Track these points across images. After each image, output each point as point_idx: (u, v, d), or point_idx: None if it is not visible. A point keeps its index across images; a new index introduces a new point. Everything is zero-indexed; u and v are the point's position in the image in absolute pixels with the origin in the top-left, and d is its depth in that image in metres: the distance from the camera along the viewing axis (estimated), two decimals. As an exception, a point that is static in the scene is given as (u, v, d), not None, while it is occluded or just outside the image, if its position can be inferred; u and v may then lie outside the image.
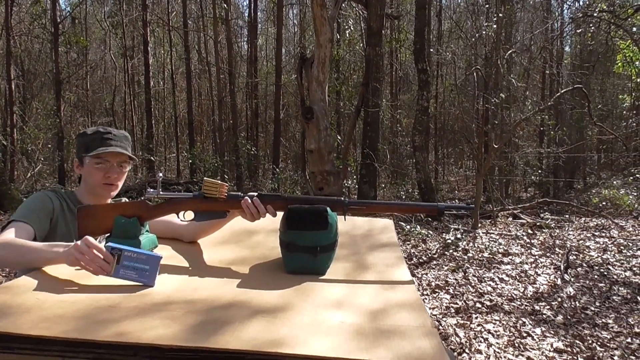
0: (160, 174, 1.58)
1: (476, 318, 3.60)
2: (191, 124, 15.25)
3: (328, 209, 1.48)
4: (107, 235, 1.59)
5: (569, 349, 3.08)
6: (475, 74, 7.01)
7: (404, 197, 10.84)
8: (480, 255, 5.25)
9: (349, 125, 7.81)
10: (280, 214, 1.55)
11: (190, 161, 12.62)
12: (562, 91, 7.90)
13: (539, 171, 11.29)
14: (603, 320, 3.60)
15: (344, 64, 14.36)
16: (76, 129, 15.60)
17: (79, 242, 1.26)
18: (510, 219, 8.02)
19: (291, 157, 16.83)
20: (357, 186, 9.31)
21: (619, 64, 12.28)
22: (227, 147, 13.35)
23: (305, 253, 1.44)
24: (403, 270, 1.55)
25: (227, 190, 1.56)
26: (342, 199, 1.55)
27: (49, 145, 11.71)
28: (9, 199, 7.78)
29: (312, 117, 5.43)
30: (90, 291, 1.21)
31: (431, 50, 10.59)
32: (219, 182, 1.55)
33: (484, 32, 9.13)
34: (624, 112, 13.27)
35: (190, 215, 1.59)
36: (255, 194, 1.56)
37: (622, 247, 5.61)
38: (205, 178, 1.59)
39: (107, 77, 19.50)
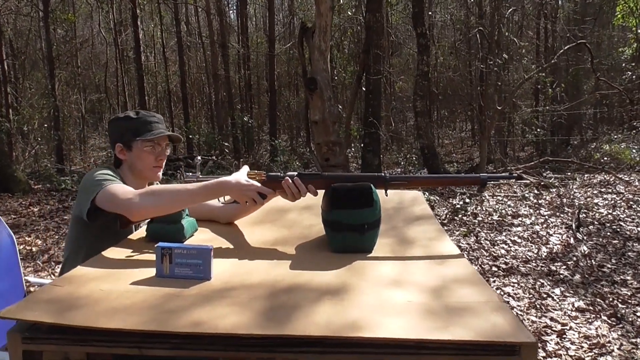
0: (199, 157, 1.56)
1: (494, 282, 3.65)
2: (185, 97, 15.05)
3: (372, 186, 1.47)
4: (148, 220, 1.58)
5: (590, 308, 3.14)
6: (477, 34, 6.90)
7: (402, 163, 10.83)
8: (489, 219, 5.29)
9: (351, 94, 7.73)
10: (320, 193, 1.54)
11: (190, 136, 12.50)
12: (566, 47, 7.81)
13: (538, 130, 11.26)
14: (621, 277, 3.66)
15: (337, 31, 14.11)
16: (69, 107, 15.37)
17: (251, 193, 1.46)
18: (513, 180, 8.05)
19: (286, 127, 16.71)
20: (360, 155, 9.28)
21: (619, 16, 12.11)
22: (222, 119, 13.22)
23: (352, 232, 1.44)
24: (448, 243, 1.55)
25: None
26: (383, 174, 1.54)
27: (45, 125, 11.55)
28: (16, 182, 7.62)
29: (315, 88, 5.35)
30: (149, 279, 1.21)
31: (429, 13, 10.41)
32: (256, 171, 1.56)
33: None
34: (623, 64, 13.15)
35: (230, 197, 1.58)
36: (295, 173, 1.55)
37: (631, 203, 5.67)
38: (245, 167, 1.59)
39: (96, 53, 19.13)
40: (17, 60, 13.06)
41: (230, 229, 1.71)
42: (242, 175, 1.48)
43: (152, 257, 1.26)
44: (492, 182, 1.60)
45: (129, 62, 16.59)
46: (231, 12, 20.73)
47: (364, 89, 8.19)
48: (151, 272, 1.24)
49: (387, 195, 1.55)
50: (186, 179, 1.59)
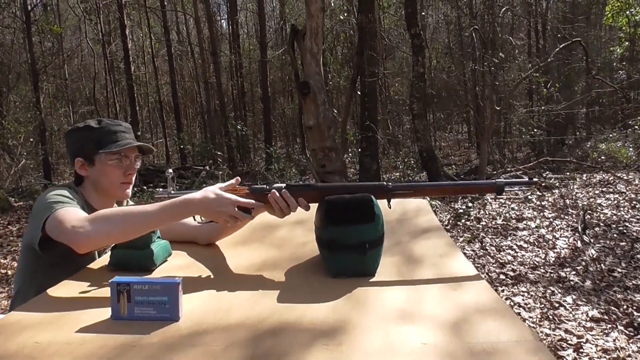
0: (170, 171, 1.34)
1: (502, 291, 3.44)
2: (177, 107, 14.83)
3: (372, 197, 1.26)
4: (112, 246, 1.36)
5: (605, 317, 2.93)
6: (473, 34, 6.72)
7: (400, 167, 10.62)
8: (494, 223, 5.08)
9: (346, 98, 7.52)
10: (313, 207, 1.33)
11: (181, 146, 12.26)
12: (562, 45, 7.64)
13: (534, 130, 11.10)
14: (633, 282, 3.45)
15: (330, 35, 13.94)
16: (57, 120, 15.09)
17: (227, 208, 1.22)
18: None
19: (281, 134, 16.53)
20: (357, 160, 9.06)
21: (609, 15, 12.00)
22: (215, 129, 13.00)
23: (352, 252, 1.22)
24: (461, 261, 1.34)
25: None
26: (385, 183, 1.33)
27: (31, 139, 11.26)
28: (-5, 201, 7.34)
29: (308, 92, 5.15)
30: (102, 324, 0.99)
31: (423, 13, 10.23)
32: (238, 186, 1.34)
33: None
34: (614, 64, 13.04)
35: (208, 216, 1.36)
36: (283, 185, 1.33)
37: (634, 202, 5.48)
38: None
39: (85, 64, 18.88)
40: (1, 74, 12.80)
41: (211, 252, 1.49)
42: (214, 189, 1.25)
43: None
44: (514, 190, 1.37)
45: (119, 74, 16.36)
46: (223, 20, 20.59)
47: (359, 92, 8.01)
48: (107, 312, 1.02)
49: (390, 207, 1.33)
50: (156, 196, 1.37)
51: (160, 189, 1.36)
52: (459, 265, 1.30)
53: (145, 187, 7.40)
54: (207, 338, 0.92)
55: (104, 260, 1.39)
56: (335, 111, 9.34)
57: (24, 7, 10.79)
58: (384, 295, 1.11)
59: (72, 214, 1.26)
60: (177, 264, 1.38)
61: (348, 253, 1.22)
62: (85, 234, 1.18)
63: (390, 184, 1.33)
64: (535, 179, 1.40)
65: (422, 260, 1.35)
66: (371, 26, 6.95)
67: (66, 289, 1.18)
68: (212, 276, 1.29)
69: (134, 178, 1.55)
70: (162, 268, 1.34)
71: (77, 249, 1.20)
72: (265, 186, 1.33)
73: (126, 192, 1.54)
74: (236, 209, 1.23)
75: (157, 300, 1.00)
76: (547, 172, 8.50)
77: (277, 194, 1.29)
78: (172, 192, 1.35)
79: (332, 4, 10.90)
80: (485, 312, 1.00)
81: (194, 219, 1.37)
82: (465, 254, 4.33)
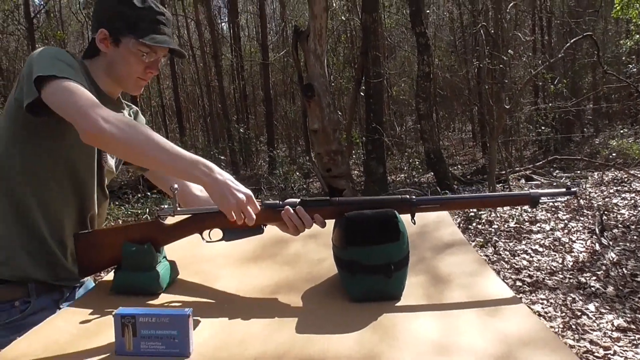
0: (176, 186, 1.23)
1: (520, 299, 3.31)
2: (179, 111, 14.76)
3: (396, 212, 1.15)
4: (114, 267, 1.26)
5: (632, 326, 2.81)
6: (481, 31, 6.60)
7: (405, 169, 10.48)
8: (506, 226, 4.95)
9: (350, 99, 7.40)
10: (329, 223, 1.22)
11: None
12: (572, 40, 7.51)
13: (542, 128, 10.95)
14: (658, 287, 3.32)
15: (331, 36, 13.83)
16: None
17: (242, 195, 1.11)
18: (523, 181, 7.73)
19: (284, 137, 16.43)
20: (361, 162, 8.94)
21: (617, 8, 11.84)
22: (218, 132, 12.91)
23: (376, 274, 1.11)
24: (494, 280, 1.22)
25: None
26: (408, 197, 1.22)
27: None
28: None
29: (313, 95, 5.04)
30: (104, 363, 0.88)
31: (427, 11, 10.11)
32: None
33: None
34: (623, 57, 12.87)
35: (217, 234, 1.25)
36: (298, 200, 1.23)
37: (652, 202, 5.34)
38: None
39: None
40: (6, 81, 12.78)
41: (220, 271, 1.38)
42: (244, 189, 1.15)
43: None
44: (552, 200, 1.26)
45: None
46: (223, 23, 20.52)
47: (362, 94, 7.89)
48: (111, 346, 0.92)
49: (414, 223, 1.22)
50: (160, 214, 1.26)
51: (165, 206, 1.25)
52: (492, 286, 1.19)
53: (149, 193, 7.29)
54: (220, 381, 0.82)
55: (106, 284, 1.29)
56: (340, 113, 9.22)
57: (26, 14, 10.74)
58: (414, 324, 1.00)
59: (89, 95, 1.10)
60: (185, 287, 1.27)
61: (371, 275, 1.12)
62: (101, 125, 1.05)
63: (414, 197, 1.22)
64: (574, 189, 1.28)
65: (450, 280, 1.24)
66: (375, 25, 6.83)
67: (65, 317, 1.07)
68: (222, 302, 1.18)
69: (152, 77, 1.40)
70: (169, 291, 1.24)
71: (83, 133, 1.07)
72: (278, 202, 1.23)
73: (140, 88, 1.38)
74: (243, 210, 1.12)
75: (165, 334, 0.90)
76: (557, 171, 8.36)
77: (292, 211, 1.19)
78: (179, 208, 1.25)
79: (334, 4, 10.79)
80: (532, 345, 0.89)
81: (202, 237, 1.27)
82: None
